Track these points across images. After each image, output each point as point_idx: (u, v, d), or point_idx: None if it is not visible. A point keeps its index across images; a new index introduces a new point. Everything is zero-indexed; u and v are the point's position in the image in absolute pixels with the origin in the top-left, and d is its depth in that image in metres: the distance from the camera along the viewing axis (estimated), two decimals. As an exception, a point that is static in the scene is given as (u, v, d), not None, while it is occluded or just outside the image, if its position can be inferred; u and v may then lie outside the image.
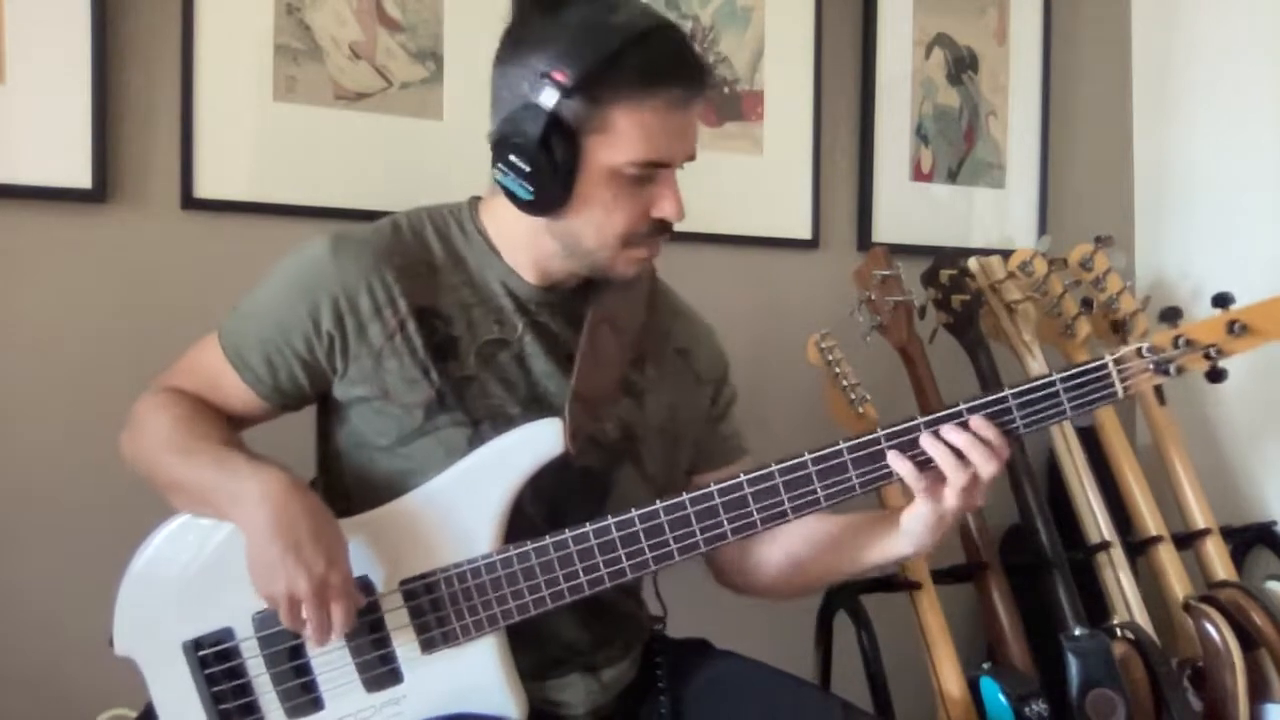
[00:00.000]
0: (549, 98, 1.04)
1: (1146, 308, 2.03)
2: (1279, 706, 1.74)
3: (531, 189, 1.08)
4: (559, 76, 1.03)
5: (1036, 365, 1.94)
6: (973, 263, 1.99)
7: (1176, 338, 1.09)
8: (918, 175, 2.17)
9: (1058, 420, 1.09)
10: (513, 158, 1.07)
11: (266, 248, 1.55)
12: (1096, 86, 2.40)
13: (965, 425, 1.08)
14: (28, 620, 1.46)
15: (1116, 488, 1.96)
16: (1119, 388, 1.08)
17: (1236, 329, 1.08)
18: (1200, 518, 1.97)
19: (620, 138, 1.06)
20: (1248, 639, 1.73)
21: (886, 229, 2.11)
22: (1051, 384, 1.08)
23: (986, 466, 1.07)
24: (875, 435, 1.10)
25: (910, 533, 1.15)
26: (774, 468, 1.10)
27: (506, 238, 1.18)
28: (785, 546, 1.26)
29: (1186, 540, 1.96)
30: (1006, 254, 2.02)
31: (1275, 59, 2.16)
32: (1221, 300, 1.11)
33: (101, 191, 1.48)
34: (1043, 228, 2.28)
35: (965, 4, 2.20)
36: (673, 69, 1.07)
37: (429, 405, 1.13)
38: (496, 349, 1.16)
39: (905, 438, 1.09)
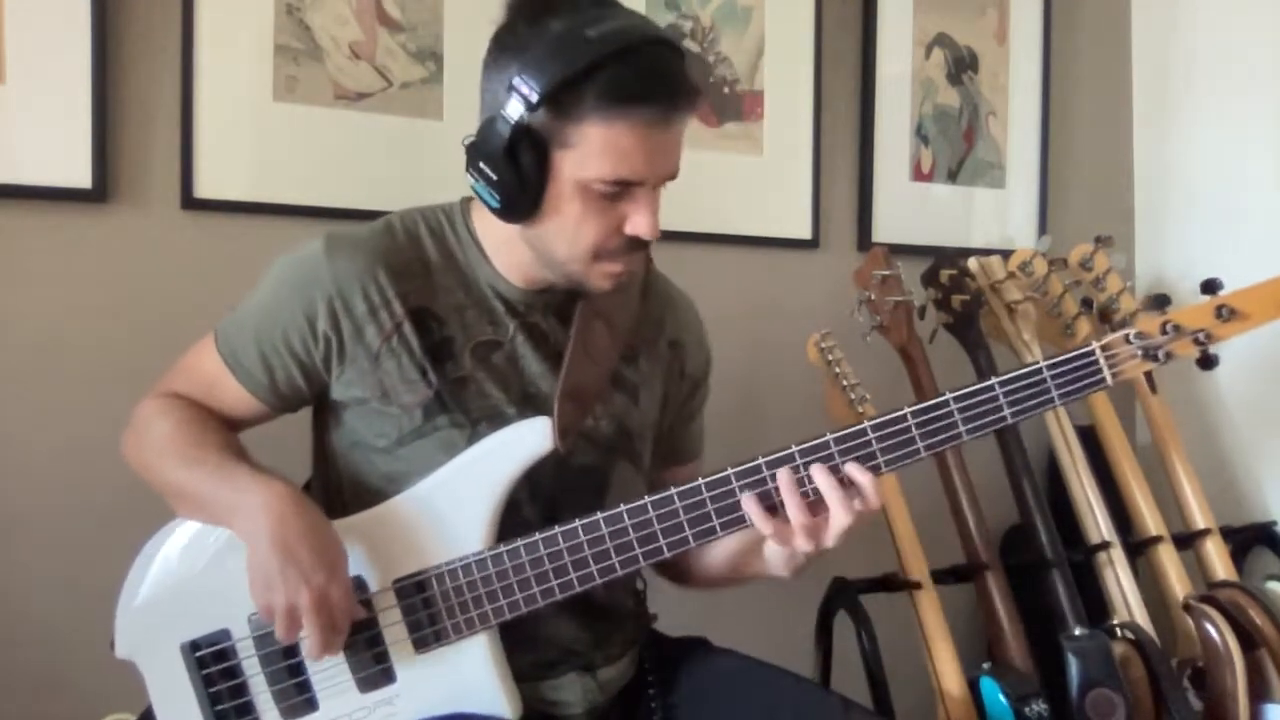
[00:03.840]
0: (514, 110, 1.03)
1: (1147, 308, 2.03)
2: (1279, 706, 1.74)
3: (498, 197, 1.08)
4: (524, 90, 1.02)
5: (1036, 365, 1.93)
6: (973, 263, 1.99)
7: (1164, 324, 1.08)
8: (918, 175, 2.17)
9: (1046, 408, 1.08)
10: (482, 165, 1.07)
11: (266, 248, 1.55)
12: (1096, 86, 2.40)
13: (836, 469, 1.06)
14: (29, 624, 1.46)
15: (1116, 488, 1.96)
16: (1107, 374, 1.07)
17: (1225, 314, 1.07)
18: (1200, 518, 1.97)
19: (589, 154, 1.04)
20: (1248, 639, 1.73)
21: (886, 229, 2.11)
22: (1038, 372, 1.07)
23: (841, 516, 1.05)
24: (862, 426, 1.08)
25: (770, 562, 1.15)
26: (760, 460, 1.09)
27: (492, 241, 1.18)
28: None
29: (1186, 540, 1.96)
30: (1006, 254, 2.02)
31: (1275, 59, 2.16)
32: (1210, 286, 1.10)
33: (101, 191, 1.48)
34: (1043, 228, 2.28)
35: (965, 4, 2.20)
36: (648, 87, 1.03)
37: (427, 406, 1.14)
38: (490, 350, 1.16)
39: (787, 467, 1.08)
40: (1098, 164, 2.40)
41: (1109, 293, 2.03)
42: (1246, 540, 2.10)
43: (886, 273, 1.83)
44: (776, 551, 1.12)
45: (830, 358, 1.75)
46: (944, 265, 1.92)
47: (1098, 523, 1.89)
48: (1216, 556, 1.94)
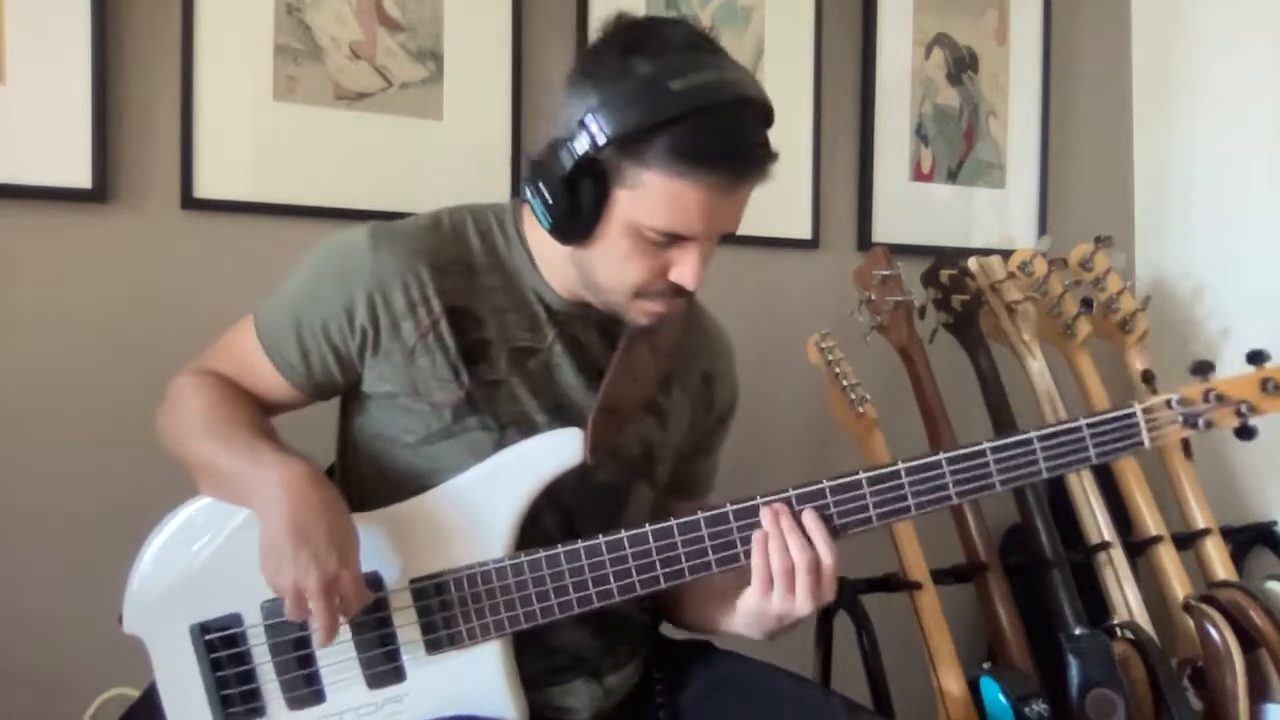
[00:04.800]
0: (581, 145, 1.02)
1: (1146, 308, 2.03)
2: (1279, 706, 1.74)
3: (551, 221, 1.07)
4: (594, 129, 1.01)
5: (1036, 365, 1.94)
6: (973, 263, 1.99)
7: (1208, 392, 1.08)
8: (918, 175, 2.17)
9: (1080, 466, 1.09)
10: (540, 184, 1.06)
11: (266, 248, 1.57)
12: (1096, 86, 2.40)
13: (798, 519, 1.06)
14: (31, 602, 1.47)
15: (1116, 488, 1.96)
16: (1146, 438, 1.07)
17: (1270, 387, 1.07)
18: (1200, 518, 1.97)
19: (647, 201, 1.03)
20: (1248, 639, 1.73)
21: (886, 229, 2.11)
22: (1078, 429, 1.07)
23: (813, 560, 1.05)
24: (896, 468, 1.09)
25: (743, 617, 1.12)
26: (792, 493, 1.08)
27: (542, 249, 1.17)
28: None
29: (1186, 540, 1.95)
30: (1006, 254, 2.01)
31: (1275, 59, 2.16)
32: (1257, 357, 1.09)
33: (101, 191, 1.48)
34: (1043, 228, 2.28)
35: (965, 4, 2.20)
36: (720, 152, 1.01)
37: (457, 406, 1.13)
38: (526, 356, 1.16)
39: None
40: (1098, 164, 2.40)
41: (1109, 293, 2.03)
42: (1246, 540, 2.10)
43: (886, 273, 1.83)
44: (749, 606, 1.10)
45: (830, 358, 1.75)
46: (944, 265, 1.92)
47: (1098, 523, 1.89)
48: (1216, 556, 1.94)
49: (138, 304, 1.52)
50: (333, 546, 1.02)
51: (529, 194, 1.08)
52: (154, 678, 1.14)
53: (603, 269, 1.09)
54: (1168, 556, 1.91)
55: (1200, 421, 1.07)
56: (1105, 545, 1.87)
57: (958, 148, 2.21)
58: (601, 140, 1.01)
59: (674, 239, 1.06)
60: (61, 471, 1.48)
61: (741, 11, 1.96)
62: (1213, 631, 1.72)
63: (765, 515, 1.07)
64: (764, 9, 1.98)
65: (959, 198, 2.21)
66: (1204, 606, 1.75)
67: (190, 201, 1.54)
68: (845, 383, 1.73)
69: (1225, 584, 1.89)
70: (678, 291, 1.10)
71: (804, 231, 2.04)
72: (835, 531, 1.08)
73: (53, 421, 1.48)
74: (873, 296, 1.84)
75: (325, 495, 1.05)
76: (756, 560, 1.07)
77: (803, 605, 1.07)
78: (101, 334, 1.50)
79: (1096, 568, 1.88)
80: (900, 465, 1.08)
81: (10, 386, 1.46)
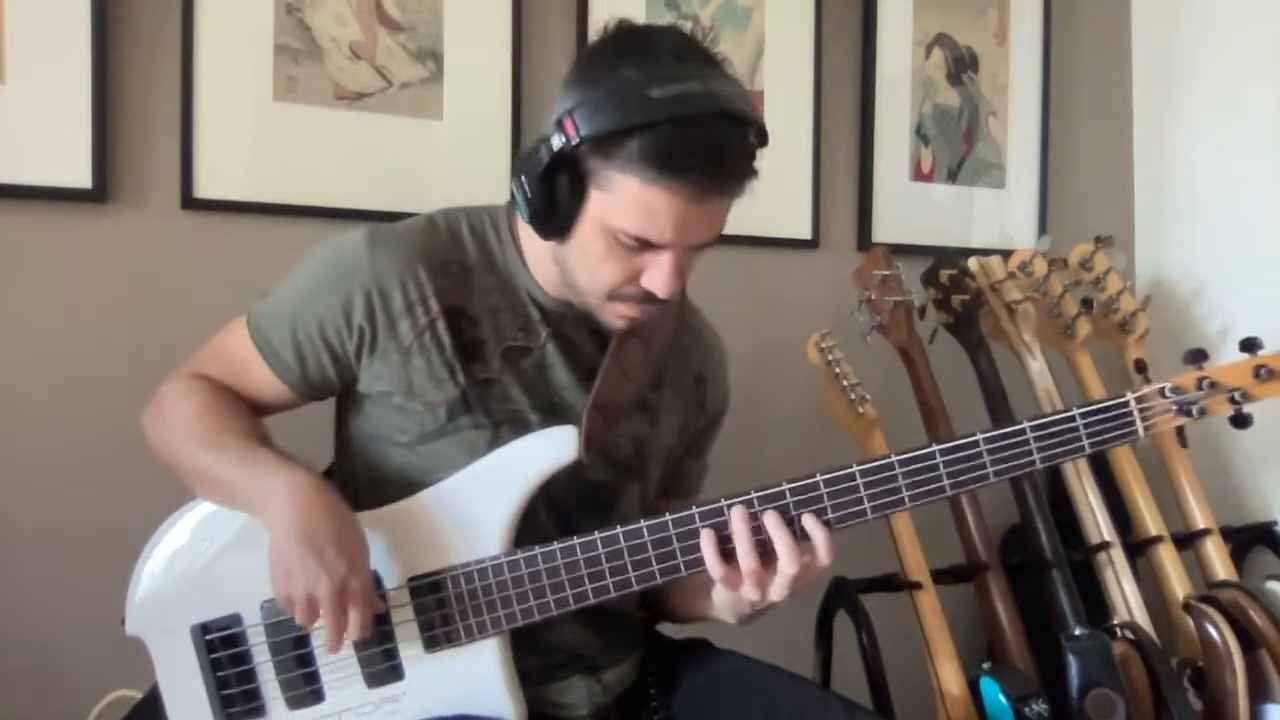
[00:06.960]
0: (558, 141, 1.03)
1: (1146, 308, 2.03)
2: (1279, 706, 1.74)
3: (529, 214, 1.08)
4: (569, 128, 1.02)
5: (1036, 365, 1.94)
6: (973, 263, 1.99)
7: (1201, 379, 1.07)
8: (918, 175, 2.17)
9: (1075, 456, 1.08)
10: (522, 178, 1.07)
11: (266, 248, 1.57)
12: (1096, 86, 2.40)
13: (792, 519, 1.06)
14: (34, 604, 1.47)
15: (1116, 488, 1.96)
16: (1140, 428, 1.07)
17: (1263, 374, 1.07)
18: (1200, 518, 1.96)
19: (620, 204, 1.03)
20: (1248, 639, 1.73)
21: (886, 229, 2.11)
22: (1071, 419, 1.07)
23: (788, 567, 1.04)
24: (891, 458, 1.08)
25: (718, 605, 1.14)
26: (785, 487, 1.08)
27: (533, 250, 1.17)
28: None
29: (1186, 540, 1.95)
30: (1006, 254, 2.01)
31: (1275, 59, 2.16)
32: (1250, 345, 1.09)
33: (101, 191, 1.48)
34: (1043, 228, 2.28)
35: (965, 4, 2.20)
36: (692, 162, 1.01)
37: (451, 405, 1.14)
38: (520, 355, 1.16)
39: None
40: (1098, 164, 2.40)
41: (1109, 293, 2.03)
42: (1246, 540, 2.10)
43: (886, 273, 1.83)
44: (723, 596, 1.11)
45: (830, 358, 1.74)
46: (944, 265, 1.92)
47: (1098, 523, 1.88)
48: (1216, 556, 1.94)
49: (138, 304, 1.52)
50: (342, 554, 1.03)
51: (513, 187, 1.09)
52: (156, 679, 1.15)
53: (579, 268, 1.10)
54: (1168, 556, 1.91)
55: (1194, 409, 1.07)
56: (1105, 545, 1.87)
57: (958, 148, 2.21)
58: (576, 139, 1.01)
59: (646, 245, 1.06)
60: (62, 471, 1.48)
61: (741, 11, 1.96)
62: (1213, 631, 1.72)
63: (734, 516, 1.07)
64: (764, 9, 1.98)
65: (959, 198, 2.21)
66: (1204, 606, 1.75)
67: (190, 201, 1.54)
68: (845, 383, 1.73)
69: (1225, 584, 1.89)
70: (650, 298, 1.10)
71: (804, 231, 2.04)
72: (827, 524, 1.07)
73: (53, 421, 1.48)
74: (873, 296, 1.84)
75: (330, 503, 1.06)
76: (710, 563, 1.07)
77: (776, 595, 1.07)
78: (102, 334, 1.50)
79: (1096, 568, 1.88)
80: (894, 458, 1.08)
81: (10, 386, 1.46)
